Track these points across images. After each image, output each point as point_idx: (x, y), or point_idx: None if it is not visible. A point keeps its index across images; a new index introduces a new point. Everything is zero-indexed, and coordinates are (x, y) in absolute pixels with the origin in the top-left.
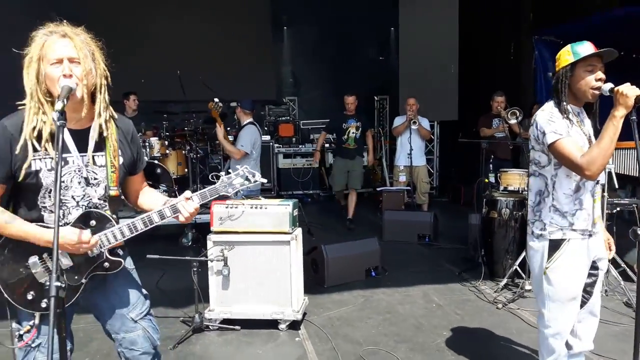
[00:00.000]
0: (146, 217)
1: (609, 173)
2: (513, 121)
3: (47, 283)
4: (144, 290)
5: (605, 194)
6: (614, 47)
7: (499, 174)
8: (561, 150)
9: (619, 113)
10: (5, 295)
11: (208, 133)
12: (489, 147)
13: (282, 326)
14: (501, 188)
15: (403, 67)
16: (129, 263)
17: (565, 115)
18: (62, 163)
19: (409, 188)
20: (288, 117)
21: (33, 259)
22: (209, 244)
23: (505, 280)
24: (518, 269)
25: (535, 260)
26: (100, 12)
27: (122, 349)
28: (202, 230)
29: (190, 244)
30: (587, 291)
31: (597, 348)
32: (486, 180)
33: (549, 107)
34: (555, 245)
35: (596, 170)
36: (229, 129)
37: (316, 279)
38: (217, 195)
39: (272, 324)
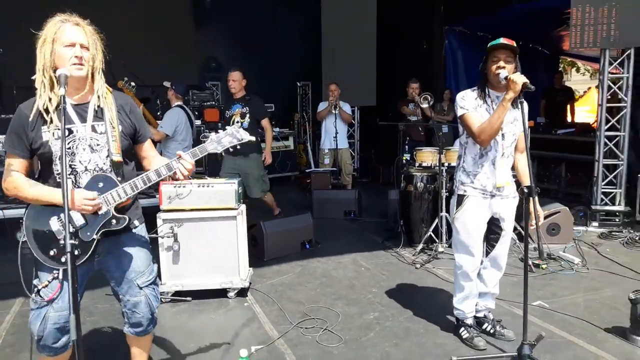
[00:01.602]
0: (145, 176)
1: None
2: (425, 105)
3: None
4: (153, 261)
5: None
6: (514, 38)
7: (415, 152)
8: (465, 121)
9: (509, 96)
10: (33, 252)
11: None
12: (404, 130)
13: (231, 294)
14: (416, 164)
15: (325, 54)
16: (143, 233)
17: (482, 97)
18: (67, 132)
19: (334, 169)
20: (212, 102)
21: (53, 219)
22: (159, 221)
23: (421, 245)
24: (432, 234)
25: (450, 211)
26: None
27: (125, 309)
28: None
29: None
30: (491, 244)
31: (500, 294)
32: (403, 159)
33: (467, 90)
34: (459, 200)
35: (485, 137)
36: (159, 113)
37: (256, 253)
38: (206, 153)
39: (222, 293)
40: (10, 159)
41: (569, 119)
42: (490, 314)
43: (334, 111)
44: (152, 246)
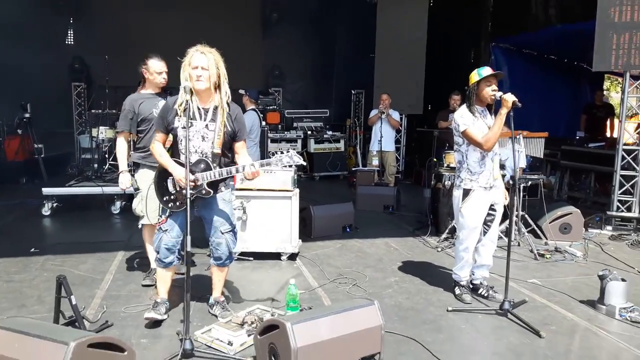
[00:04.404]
0: (229, 169)
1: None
2: None
3: (173, 195)
4: (233, 216)
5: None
6: (556, 55)
7: (443, 155)
8: (469, 135)
9: (503, 111)
10: (156, 195)
11: None
12: (444, 137)
13: (284, 257)
14: (445, 165)
15: (378, 64)
16: (228, 196)
17: (473, 113)
18: (190, 124)
19: (379, 169)
20: (275, 106)
21: (170, 179)
22: (233, 197)
23: (445, 235)
24: (455, 225)
25: (455, 202)
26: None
27: (212, 247)
28: (132, 200)
29: (118, 212)
30: (487, 225)
31: (503, 273)
32: (434, 160)
33: (462, 108)
34: (466, 193)
35: (490, 145)
36: None
37: (305, 232)
38: (269, 165)
39: (276, 256)
40: (156, 133)
41: (608, 134)
42: (485, 281)
43: (383, 117)
44: None
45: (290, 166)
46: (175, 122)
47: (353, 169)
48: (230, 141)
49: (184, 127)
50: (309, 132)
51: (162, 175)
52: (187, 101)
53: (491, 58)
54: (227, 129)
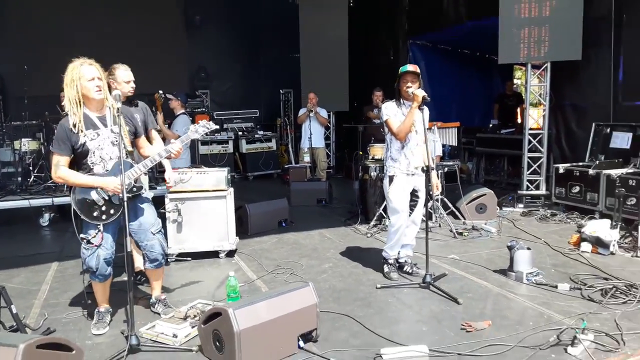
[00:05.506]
0: (151, 157)
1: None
2: None
3: (103, 206)
4: (158, 216)
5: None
6: (470, 49)
7: (369, 148)
8: (388, 124)
9: (414, 105)
10: (81, 215)
11: None
12: (369, 131)
13: (222, 255)
14: (370, 157)
15: (304, 65)
16: (150, 196)
17: (398, 106)
18: (95, 135)
19: (310, 165)
20: (203, 109)
21: (92, 192)
22: (167, 200)
23: (374, 222)
24: (382, 212)
25: (385, 189)
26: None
27: (145, 251)
28: (61, 211)
29: (47, 224)
30: (411, 209)
31: (416, 248)
32: (360, 153)
33: (389, 102)
34: (391, 179)
35: (402, 135)
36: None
37: (242, 230)
38: (189, 139)
39: (215, 254)
40: (60, 158)
41: (519, 120)
42: (409, 259)
43: (311, 115)
44: (161, 219)
45: (207, 134)
46: (81, 139)
47: (286, 166)
48: (134, 139)
49: (92, 139)
50: (240, 133)
51: (84, 191)
52: (118, 109)
53: (409, 55)
54: (129, 127)
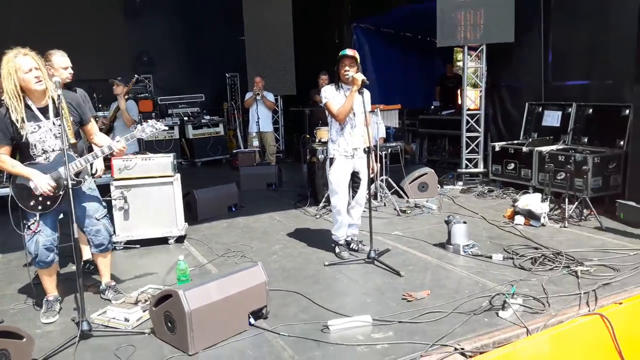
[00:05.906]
0: (94, 153)
1: (379, 125)
2: None
3: (40, 197)
4: (102, 202)
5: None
6: (411, 32)
7: (315, 131)
8: (328, 107)
9: (354, 89)
10: (20, 204)
11: None
12: (316, 114)
13: (171, 241)
14: (317, 140)
15: (249, 48)
16: (93, 185)
17: (337, 90)
18: (37, 127)
19: (259, 149)
20: (146, 94)
21: (31, 182)
22: (112, 188)
23: (322, 203)
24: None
25: (326, 170)
26: None
27: (90, 236)
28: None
29: None
30: (355, 191)
31: (361, 227)
32: (307, 136)
33: (328, 85)
34: (331, 161)
35: (342, 117)
36: (99, 106)
37: (190, 216)
38: (135, 138)
39: (164, 241)
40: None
41: (459, 102)
42: (355, 237)
43: (258, 99)
44: (107, 207)
45: (155, 132)
46: (21, 132)
47: (234, 151)
48: (79, 129)
49: (32, 132)
50: (186, 118)
51: (21, 183)
52: (59, 95)
53: (353, 38)
54: (73, 117)
